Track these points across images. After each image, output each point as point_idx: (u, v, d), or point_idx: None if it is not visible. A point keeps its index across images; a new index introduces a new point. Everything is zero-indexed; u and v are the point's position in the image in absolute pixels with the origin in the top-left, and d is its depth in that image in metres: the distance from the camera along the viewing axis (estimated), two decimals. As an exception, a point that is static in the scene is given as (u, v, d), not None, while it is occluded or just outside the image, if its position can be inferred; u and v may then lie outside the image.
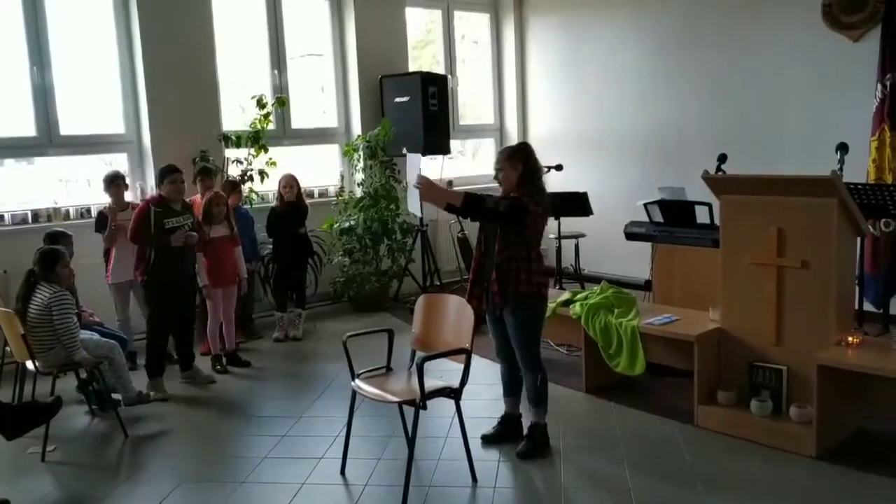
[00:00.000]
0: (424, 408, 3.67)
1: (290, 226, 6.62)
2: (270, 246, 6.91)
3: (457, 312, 4.02)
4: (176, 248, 5.30)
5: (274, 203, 6.81)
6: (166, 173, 5.43)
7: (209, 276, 5.75)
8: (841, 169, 4.82)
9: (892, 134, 5.82)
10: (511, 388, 4.36)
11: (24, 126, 6.24)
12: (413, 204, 3.93)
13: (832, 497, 3.61)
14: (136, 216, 5.38)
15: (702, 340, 4.41)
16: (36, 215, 6.24)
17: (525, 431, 4.25)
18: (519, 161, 4.07)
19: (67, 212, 6.39)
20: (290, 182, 6.63)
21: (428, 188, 4.00)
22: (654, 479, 3.83)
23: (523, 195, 3.99)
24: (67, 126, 6.40)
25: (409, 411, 3.84)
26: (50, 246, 4.90)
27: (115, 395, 4.97)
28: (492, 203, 3.96)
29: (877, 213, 5.40)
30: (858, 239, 4.54)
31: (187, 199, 5.78)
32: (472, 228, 8.28)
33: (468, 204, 3.93)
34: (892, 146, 5.82)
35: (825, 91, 6.44)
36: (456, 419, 3.94)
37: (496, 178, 4.13)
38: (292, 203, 6.61)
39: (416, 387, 3.69)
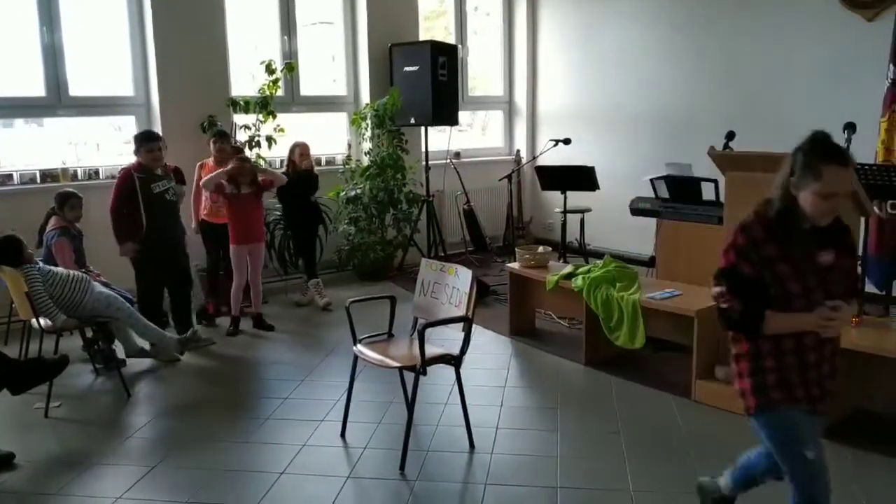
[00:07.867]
0: (424, 374, 3.71)
1: (303, 193, 6.60)
2: (277, 212, 6.93)
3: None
4: (162, 213, 5.33)
5: (284, 170, 6.73)
6: (144, 140, 5.32)
7: (236, 234, 5.83)
8: (848, 148, 4.80)
9: (903, 115, 5.78)
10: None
11: (34, 86, 6.23)
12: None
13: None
14: (118, 186, 5.28)
15: (702, 315, 4.42)
16: (44, 175, 6.26)
17: None
18: None
19: (75, 172, 6.41)
20: (305, 150, 6.58)
21: None
22: (650, 451, 3.87)
23: None
24: (76, 87, 6.39)
25: (409, 377, 3.89)
26: (5, 236, 4.66)
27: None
28: None
29: (884, 194, 5.37)
30: (863, 219, 4.52)
31: (199, 163, 5.86)
32: (477, 200, 8.37)
33: None
34: (903, 128, 5.77)
35: (836, 70, 6.37)
36: (455, 386, 3.98)
37: None
38: (307, 171, 6.58)
39: (416, 353, 3.73)
